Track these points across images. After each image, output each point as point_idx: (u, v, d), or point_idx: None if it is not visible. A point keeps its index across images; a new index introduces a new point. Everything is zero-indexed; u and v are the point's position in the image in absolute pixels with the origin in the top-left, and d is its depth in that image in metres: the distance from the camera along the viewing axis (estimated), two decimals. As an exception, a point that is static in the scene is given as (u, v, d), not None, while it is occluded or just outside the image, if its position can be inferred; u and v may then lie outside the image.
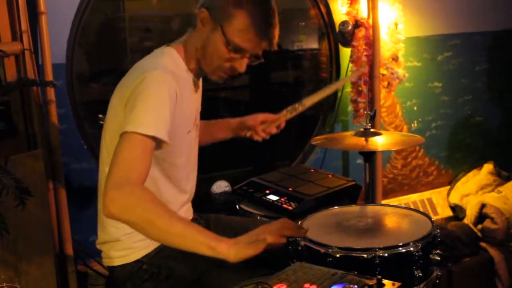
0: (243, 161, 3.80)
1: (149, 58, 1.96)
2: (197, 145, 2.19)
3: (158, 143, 1.78)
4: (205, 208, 2.45)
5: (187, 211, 2.18)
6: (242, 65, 1.94)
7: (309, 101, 2.39)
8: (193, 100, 2.05)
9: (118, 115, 1.86)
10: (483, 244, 3.72)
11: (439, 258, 2.02)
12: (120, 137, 1.74)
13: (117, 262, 2.02)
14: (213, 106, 3.99)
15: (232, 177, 3.41)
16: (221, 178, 3.34)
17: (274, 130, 2.39)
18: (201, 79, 2.14)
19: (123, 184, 1.65)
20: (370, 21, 3.52)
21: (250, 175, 3.01)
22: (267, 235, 1.69)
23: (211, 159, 2.97)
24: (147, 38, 3.55)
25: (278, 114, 2.38)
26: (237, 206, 2.77)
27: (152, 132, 1.73)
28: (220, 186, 3.29)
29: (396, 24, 3.60)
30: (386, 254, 1.88)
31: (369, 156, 2.69)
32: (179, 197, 2.08)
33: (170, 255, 1.98)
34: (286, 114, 2.38)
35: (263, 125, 2.37)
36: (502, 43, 4.43)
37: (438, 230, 2.06)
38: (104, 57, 3.44)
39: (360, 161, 3.83)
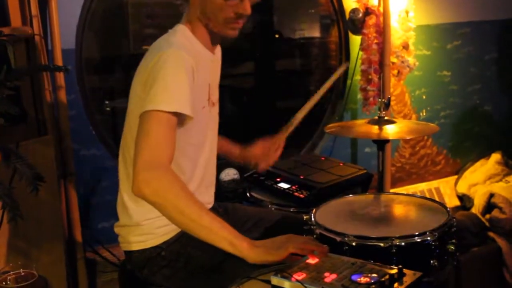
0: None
1: (163, 38, 1.96)
2: (216, 125, 2.16)
3: (180, 119, 1.79)
4: (214, 196, 2.44)
5: (202, 197, 2.16)
6: (245, 7, 1.91)
7: (300, 113, 2.49)
8: (207, 75, 2.03)
9: (139, 97, 1.85)
10: (491, 234, 3.71)
11: (454, 248, 2.01)
12: (141, 116, 1.75)
13: (136, 247, 2.00)
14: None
15: (239, 164, 3.39)
16: (229, 165, 3.31)
17: (277, 156, 2.41)
18: (219, 52, 2.13)
19: (155, 165, 1.67)
20: (381, 9, 3.49)
21: (257, 163, 2.98)
22: (290, 244, 1.67)
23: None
24: (148, 24, 3.52)
25: (276, 137, 2.41)
26: (247, 194, 2.76)
27: (175, 108, 1.74)
28: (229, 174, 3.27)
29: (407, 12, 3.57)
30: (403, 243, 1.87)
31: (383, 144, 2.67)
32: (192, 181, 2.05)
33: (189, 243, 1.97)
34: (284, 133, 2.44)
35: (264, 155, 2.38)
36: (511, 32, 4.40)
37: (454, 220, 2.05)
38: (110, 43, 3.42)
39: (368, 149, 3.82)
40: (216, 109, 2.14)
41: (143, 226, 1.98)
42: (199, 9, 1.94)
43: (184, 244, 1.99)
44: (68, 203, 2.83)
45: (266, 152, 2.39)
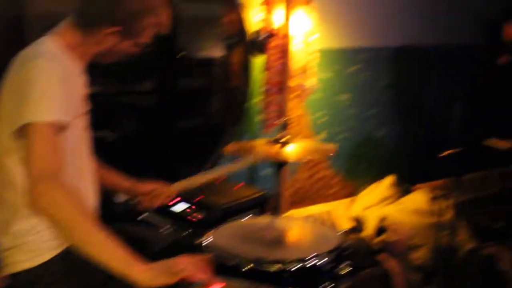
0: (146, 169, 3.69)
1: (31, 48, 1.90)
2: (88, 137, 2.10)
3: (58, 128, 1.75)
4: (106, 218, 2.36)
5: None
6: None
7: (198, 180, 2.44)
8: (78, 87, 2.00)
9: (9, 111, 1.80)
10: (382, 256, 3.79)
11: (346, 271, 2.04)
12: (22, 130, 1.71)
13: (21, 266, 1.89)
14: (115, 111, 3.86)
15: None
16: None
17: (158, 203, 2.38)
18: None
19: (48, 177, 1.64)
20: (284, 31, 3.52)
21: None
22: (185, 268, 1.63)
23: (115, 166, 2.86)
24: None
25: (170, 187, 2.39)
26: (141, 217, 2.69)
27: (53, 117, 1.71)
28: (123, 196, 3.18)
29: (309, 35, 3.61)
30: (296, 267, 1.88)
31: (281, 166, 2.68)
32: None
33: (79, 258, 1.88)
34: (177, 188, 2.42)
35: (151, 195, 2.36)
36: (408, 59, 4.57)
37: (347, 243, 2.08)
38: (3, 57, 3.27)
39: (267, 171, 3.82)
40: (86, 121, 2.08)
41: (28, 243, 1.88)
42: (102, 49, 1.96)
43: (74, 259, 1.89)
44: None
45: (155, 194, 2.36)
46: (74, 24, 1.94)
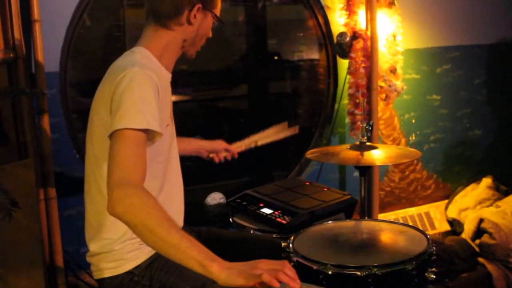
0: (239, 171, 3.75)
1: (122, 58, 1.97)
2: (176, 145, 2.16)
3: (149, 137, 1.79)
4: (199, 220, 2.41)
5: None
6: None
7: (261, 141, 2.78)
8: (168, 94, 2.07)
9: (104, 119, 1.84)
10: (481, 260, 3.69)
11: (434, 276, 1.98)
12: (111, 136, 1.73)
13: (108, 273, 1.97)
14: (212, 115, 3.96)
15: (227, 188, 3.37)
16: (216, 189, 3.29)
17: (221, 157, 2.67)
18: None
19: (127, 183, 1.65)
20: (368, 33, 3.49)
21: (245, 186, 2.97)
22: (264, 272, 1.63)
23: (206, 170, 2.93)
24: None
25: (234, 146, 2.71)
26: (230, 219, 2.74)
27: (144, 125, 1.73)
28: (215, 198, 3.25)
29: (394, 36, 3.56)
30: (380, 272, 1.84)
31: (365, 170, 2.65)
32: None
33: (163, 267, 1.94)
34: (241, 147, 2.74)
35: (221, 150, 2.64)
36: (501, 56, 4.41)
37: (434, 248, 2.02)
38: (101, 66, 3.40)
39: (357, 173, 3.79)
40: (173, 131, 2.14)
41: (114, 251, 1.95)
42: (191, 34, 2.02)
43: (157, 268, 1.96)
44: (50, 227, 2.80)
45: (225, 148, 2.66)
46: (155, 26, 2.00)
